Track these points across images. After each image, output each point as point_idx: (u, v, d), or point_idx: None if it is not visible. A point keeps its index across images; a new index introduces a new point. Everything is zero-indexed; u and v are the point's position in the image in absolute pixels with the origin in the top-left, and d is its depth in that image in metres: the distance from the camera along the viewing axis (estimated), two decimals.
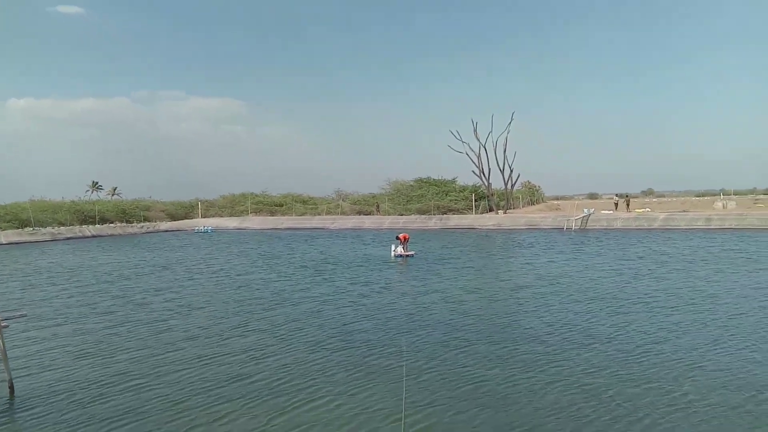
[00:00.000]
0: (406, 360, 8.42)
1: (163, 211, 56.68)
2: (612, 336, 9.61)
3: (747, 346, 8.83)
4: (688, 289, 13.86)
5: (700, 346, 8.84)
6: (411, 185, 55.34)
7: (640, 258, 20.54)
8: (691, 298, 12.74)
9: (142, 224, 49.74)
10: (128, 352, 9.27)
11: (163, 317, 12.04)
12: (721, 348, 8.75)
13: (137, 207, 53.95)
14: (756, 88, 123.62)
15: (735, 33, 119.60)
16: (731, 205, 44.70)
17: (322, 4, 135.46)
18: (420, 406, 6.66)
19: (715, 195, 69.99)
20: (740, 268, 17.27)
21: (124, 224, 48.65)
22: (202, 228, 48.81)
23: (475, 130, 48.83)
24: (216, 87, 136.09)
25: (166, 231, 49.05)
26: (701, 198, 68.52)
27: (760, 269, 16.88)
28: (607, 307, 11.97)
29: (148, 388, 7.48)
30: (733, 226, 34.95)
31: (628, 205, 45.88)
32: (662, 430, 5.87)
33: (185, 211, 59.16)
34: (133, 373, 8.12)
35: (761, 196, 63.02)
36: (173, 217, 56.35)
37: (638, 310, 11.66)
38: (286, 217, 54.09)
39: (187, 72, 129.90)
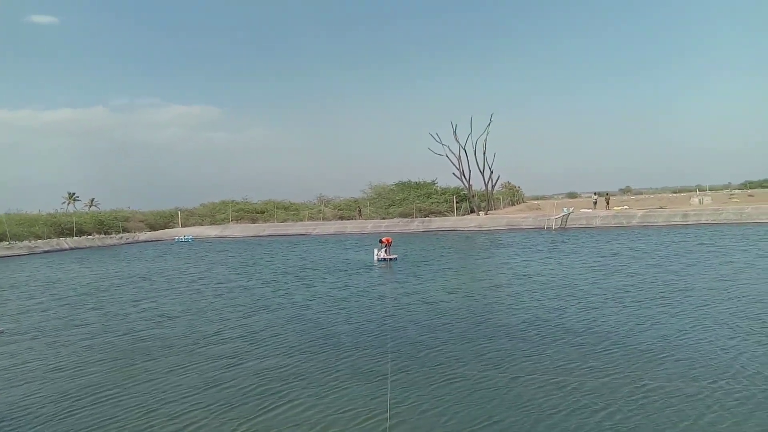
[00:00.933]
0: (391, 360, 8.52)
1: (142, 221, 56.09)
2: (584, 330, 9.81)
3: (708, 336, 9.11)
4: (659, 283, 14.18)
5: (665, 338, 9.08)
6: (392, 189, 55.52)
7: (614, 255, 20.91)
8: (660, 292, 13.06)
9: (121, 235, 49.16)
10: (102, 364, 9.21)
11: (139, 327, 11.96)
12: (684, 339, 9.00)
13: (116, 218, 53.30)
14: (732, 87, 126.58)
15: (710, 32, 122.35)
16: (707, 200, 45.67)
17: (301, 8, 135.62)
18: (404, 405, 6.73)
19: (691, 191, 71.45)
20: (711, 261, 17.69)
21: (103, 236, 48.04)
22: (182, 237, 48.40)
23: (454, 132, 49.24)
24: (195, 93, 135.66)
25: (146, 241, 48.54)
26: (678, 194, 69.86)
27: (729, 262, 17.32)
28: (581, 303, 12.19)
29: (121, 398, 7.45)
30: (709, 221, 35.70)
31: (608, 203, 46.62)
32: (622, 418, 6.04)
33: (165, 220, 58.59)
34: (106, 384, 8.07)
35: (736, 191, 64.48)
36: (153, 227, 55.77)
37: (610, 305, 11.90)
38: (267, 223, 53.87)
39: (165, 79, 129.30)
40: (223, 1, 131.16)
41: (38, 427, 6.65)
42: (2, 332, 8.82)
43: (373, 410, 6.61)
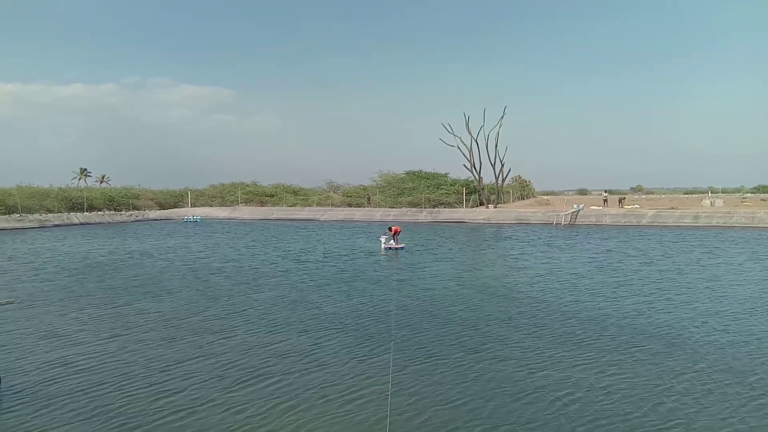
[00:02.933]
0: (393, 345, 8.50)
1: (152, 199, 56.38)
2: (586, 322, 9.75)
3: (686, 328, 9.12)
4: (639, 281, 14.30)
5: (632, 336, 9.06)
6: (402, 178, 55.36)
7: (608, 251, 20.73)
8: (641, 288, 13.35)
9: (130, 212, 49.44)
10: (97, 334, 9.27)
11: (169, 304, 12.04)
12: (648, 337, 9.08)
13: (126, 195, 53.58)
14: (749, 87, 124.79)
15: (729, 29, 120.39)
16: (719, 203, 45.18)
17: None
18: (405, 389, 6.73)
19: (703, 193, 70.67)
20: (705, 262, 17.51)
21: (113, 212, 48.34)
22: (191, 217, 48.61)
23: (467, 124, 48.93)
24: (206, 75, 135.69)
25: (155, 220, 48.82)
26: (689, 195, 69.09)
27: (724, 264, 17.24)
28: (584, 298, 12.10)
29: (130, 373, 7.50)
30: (720, 224, 35.35)
31: (621, 202, 46.22)
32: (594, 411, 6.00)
33: (174, 200, 58.85)
34: (117, 354, 8.13)
35: (748, 195, 63.71)
36: (162, 206, 56.05)
37: (619, 299, 11.82)
38: (276, 207, 53.97)
39: (177, 59, 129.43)
40: None
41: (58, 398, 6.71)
42: (12, 302, 8.85)
43: (375, 400, 6.59)
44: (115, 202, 51.08)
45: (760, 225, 34.42)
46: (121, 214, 47.77)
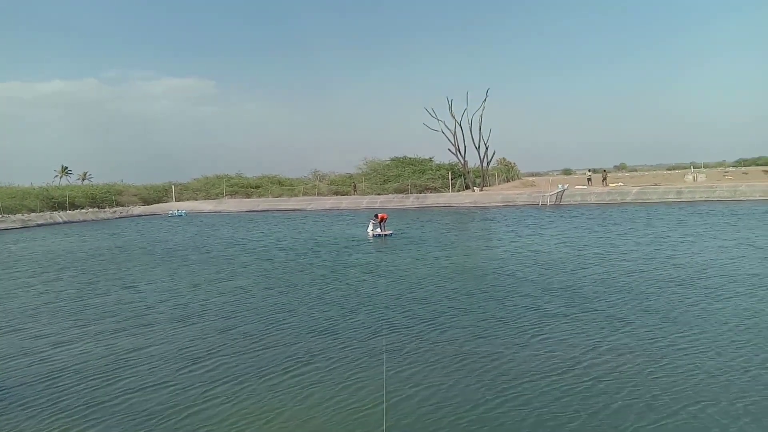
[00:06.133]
0: (385, 336, 8.55)
1: (136, 195, 55.78)
2: (570, 303, 9.89)
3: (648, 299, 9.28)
4: (609, 257, 14.37)
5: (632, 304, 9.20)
6: (388, 164, 55.30)
7: (588, 230, 21.00)
8: (605, 264, 13.27)
9: (114, 209, 48.91)
10: (68, 329, 9.21)
11: (144, 305, 11.95)
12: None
13: (108, 192, 52.93)
14: (725, 65, 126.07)
15: (709, 10, 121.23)
16: (701, 178, 45.80)
17: None
18: (400, 382, 6.77)
19: (685, 168, 71.64)
20: (676, 238, 17.82)
21: (96, 209, 47.76)
22: (175, 212, 48.19)
23: (450, 108, 48.98)
24: (188, 66, 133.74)
25: (139, 215, 48.35)
26: (672, 171, 70.05)
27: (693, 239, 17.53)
28: (570, 277, 12.27)
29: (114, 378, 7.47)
30: (703, 199, 35.89)
31: (604, 180, 46.70)
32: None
33: (158, 194, 58.25)
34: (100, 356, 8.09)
35: (730, 169, 64.73)
36: (146, 201, 55.47)
37: (610, 280, 11.99)
38: (262, 198, 53.66)
39: (158, 52, 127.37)
40: None
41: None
42: None
43: (369, 386, 6.63)
44: (98, 199, 50.43)
45: (742, 198, 35.02)
46: (104, 211, 47.22)
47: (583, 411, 5.79)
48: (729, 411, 5.67)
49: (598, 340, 8.06)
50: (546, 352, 7.62)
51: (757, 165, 65.29)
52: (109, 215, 46.43)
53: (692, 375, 6.64)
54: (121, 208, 50.13)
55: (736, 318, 8.88)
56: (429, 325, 9.20)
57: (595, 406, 5.90)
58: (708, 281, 11.61)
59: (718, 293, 10.54)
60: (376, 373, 7.04)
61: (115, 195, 52.52)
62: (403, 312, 10.12)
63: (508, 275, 13.27)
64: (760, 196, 34.86)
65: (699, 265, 13.50)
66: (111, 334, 9.45)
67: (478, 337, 8.46)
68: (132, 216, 47.70)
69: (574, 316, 9.39)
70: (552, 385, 6.49)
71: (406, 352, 7.84)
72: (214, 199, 55.45)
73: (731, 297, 10.24)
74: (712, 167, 71.66)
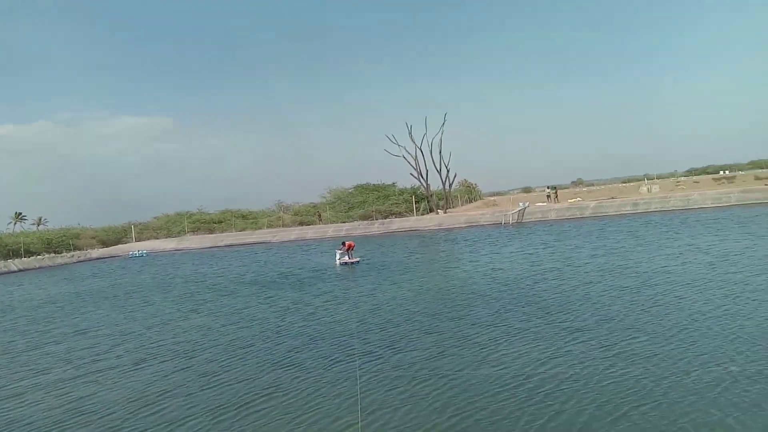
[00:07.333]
0: (359, 361, 8.54)
1: (94, 237, 54.30)
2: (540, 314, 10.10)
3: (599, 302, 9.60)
4: (554, 270, 14.80)
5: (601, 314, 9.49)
6: (351, 192, 55.48)
7: (546, 246, 21.54)
8: (558, 276, 13.67)
9: (72, 253, 47.41)
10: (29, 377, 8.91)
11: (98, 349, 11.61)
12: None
13: (65, 236, 51.35)
14: (677, 84, 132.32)
15: (660, 26, 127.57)
16: (655, 189, 47.47)
17: (250, 13, 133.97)
18: (375, 407, 6.77)
19: (639, 180, 74.14)
20: (622, 247, 18.47)
21: (53, 255, 46.22)
22: (136, 252, 47.08)
23: (410, 133, 49.73)
24: (144, 105, 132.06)
25: (99, 258, 47.03)
26: (627, 184, 72.34)
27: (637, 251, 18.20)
28: (534, 292, 12.53)
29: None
30: (658, 209, 37.16)
31: (556, 196, 47.93)
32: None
33: (118, 236, 56.85)
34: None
35: (682, 179, 67.33)
36: (105, 244, 54.05)
37: (577, 294, 12.29)
38: (225, 233, 52.96)
39: (112, 91, 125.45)
40: (171, 9, 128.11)
41: None
42: None
43: (345, 412, 6.62)
44: (54, 244, 48.88)
45: (695, 206, 36.39)
46: (62, 256, 45.73)
47: (535, 420, 5.92)
48: (675, 410, 5.89)
49: (553, 351, 8.26)
50: (503, 366, 7.77)
51: (707, 173, 68.14)
52: (66, 260, 44.99)
53: (642, 378, 6.86)
54: (79, 252, 48.65)
55: (683, 321, 9.23)
56: (393, 349, 9.22)
57: (546, 414, 6.05)
58: (656, 288, 12.02)
59: (667, 299, 10.93)
60: (351, 402, 7.02)
61: (72, 239, 50.99)
62: (368, 338, 10.13)
63: (470, 294, 13.44)
64: (711, 203, 36.31)
65: (649, 273, 13.97)
66: (65, 382, 9.15)
67: (442, 356, 8.55)
68: (91, 259, 46.35)
69: (531, 329, 9.58)
70: (508, 398, 6.63)
71: (369, 379, 7.83)
72: (176, 237, 54.41)
73: (679, 301, 10.64)
74: (665, 178, 74.42)
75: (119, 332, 13.01)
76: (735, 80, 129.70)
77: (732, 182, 47.18)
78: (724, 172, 61.13)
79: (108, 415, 7.36)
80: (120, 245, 53.42)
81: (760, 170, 58.39)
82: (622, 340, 8.44)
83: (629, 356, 7.70)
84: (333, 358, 9.05)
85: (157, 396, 7.94)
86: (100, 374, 9.42)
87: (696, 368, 7.02)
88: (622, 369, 7.23)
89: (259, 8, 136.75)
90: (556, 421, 5.91)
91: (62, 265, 42.95)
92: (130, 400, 7.88)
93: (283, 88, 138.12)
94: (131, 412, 7.34)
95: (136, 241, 54.78)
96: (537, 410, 6.21)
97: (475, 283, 14.92)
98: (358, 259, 23.46)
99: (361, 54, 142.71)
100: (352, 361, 8.67)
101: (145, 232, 57.58)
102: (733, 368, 6.90)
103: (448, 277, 16.87)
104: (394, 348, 9.27)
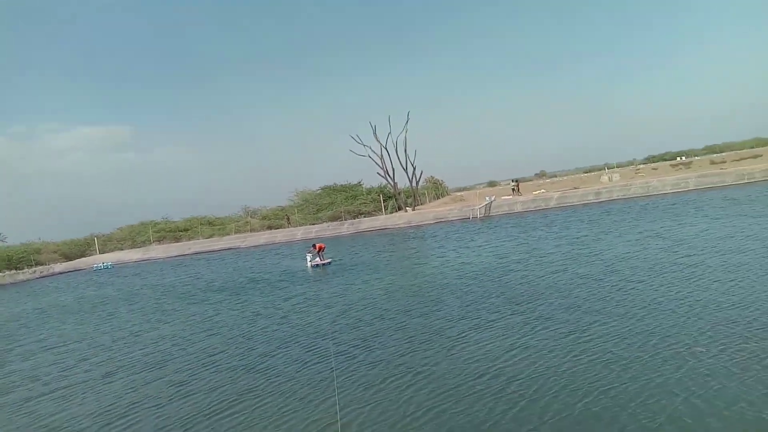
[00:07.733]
0: (335, 362, 8.56)
1: (56, 251, 52.70)
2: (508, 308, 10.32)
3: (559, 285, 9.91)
4: (521, 260, 15.18)
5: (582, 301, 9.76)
6: (319, 194, 55.26)
7: (512, 238, 21.98)
8: (525, 266, 14.02)
9: (34, 269, 45.94)
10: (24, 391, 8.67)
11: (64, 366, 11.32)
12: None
13: (26, 251, 49.73)
14: (634, 70, 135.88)
15: (618, 20, 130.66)
16: (616, 177, 48.66)
17: (203, 12, 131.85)
18: (352, 406, 6.80)
19: (600, 170, 75.91)
20: (581, 235, 19.03)
21: (14, 271, 44.71)
22: (101, 264, 45.87)
23: (374, 133, 49.76)
24: (100, 114, 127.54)
25: (62, 273, 45.65)
26: (589, 174, 73.95)
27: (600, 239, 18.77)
28: (505, 285, 12.78)
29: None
30: (620, 197, 38.13)
31: (518, 189, 48.77)
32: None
33: (81, 248, 55.32)
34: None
35: (641, 166, 69.15)
36: (68, 257, 52.52)
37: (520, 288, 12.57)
38: (192, 241, 52.08)
39: (66, 101, 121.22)
40: (118, 12, 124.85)
41: None
42: None
43: (323, 414, 6.65)
44: (15, 260, 47.30)
45: (655, 193, 37.47)
46: (23, 272, 44.30)
47: (510, 409, 6.07)
48: (644, 391, 6.12)
49: (524, 340, 8.45)
50: (475, 358, 7.91)
51: (665, 160, 70.20)
52: (28, 276, 43.58)
53: (611, 363, 7.09)
54: (41, 267, 47.15)
55: (647, 305, 9.55)
56: (367, 348, 9.28)
57: (520, 402, 6.21)
58: (619, 274, 12.40)
59: (630, 285, 11.28)
60: (329, 402, 7.04)
61: (33, 254, 49.41)
62: (341, 338, 10.16)
63: (440, 289, 13.60)
64: (670, 189, 37.46)
65: (612, 260, 14.38)
66: (31, 400, 8.92)
67: (415, 351, 8.66)
68: (54, 274, 44.97)
69: (501, 320, 9.78)
70: (482, 390, 6.77)
71: (345, 379, 7.87)
72: (141, 247, 53.25)
73: (642, 286, 11.01)
74: (625, 166, 76.20)
75: (87, 346, 12.73)
76: (689, 71, 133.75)
77: (689, 167, 48.72)
78: (681, 158, 63.06)
79: (78, 430, 7.21)
80: (84, 258, 51.97)
81: (715, 155, 60.39)
82: (590, 326, 8.70)
83: (597, 342, 7.94)
84: (307, 360, 9.05)
85: (127, 408, 7.82)
86: (69, 390, 9.21)
87: (662, 350, 7.29)
88: (591, 355, 7.46)
89: (215, 9, 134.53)
90: (530, 409, 6.07)
91: (24, 281, 41.60)
92: (100, 413, 7.74)
93: (240, 91, 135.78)
94: (102, 426, 7.21)
95: (100, 253, 53.39)
96: (511, 399, 6.37)
97: (445, 278, 15.10)
98: (329, 260, 23.41)
99: (318, 52, 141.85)
100: (327, 362, 8.69)
101: (109, 243, 56.20)
102: (696, 348, 7.19)
103: (418, 273, 17.02)
104: (368, 346, 9.34)
